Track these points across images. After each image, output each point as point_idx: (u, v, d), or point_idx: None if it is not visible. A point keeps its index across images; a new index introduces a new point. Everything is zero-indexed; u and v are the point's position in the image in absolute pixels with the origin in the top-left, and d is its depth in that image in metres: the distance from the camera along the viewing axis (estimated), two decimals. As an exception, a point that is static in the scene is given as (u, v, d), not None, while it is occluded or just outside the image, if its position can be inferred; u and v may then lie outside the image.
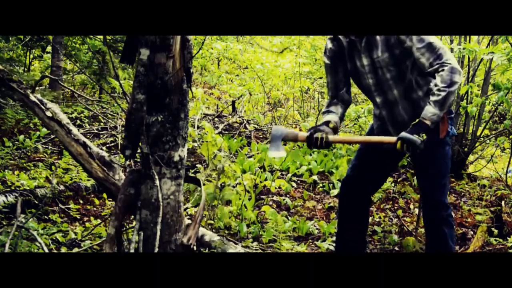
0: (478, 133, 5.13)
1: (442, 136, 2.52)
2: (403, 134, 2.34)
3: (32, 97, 2.59)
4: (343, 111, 2.68)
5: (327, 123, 2.57)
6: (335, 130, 2.56)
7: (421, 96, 2.52)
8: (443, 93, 2.33)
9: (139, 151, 2.24)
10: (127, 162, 2.23)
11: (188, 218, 3.68)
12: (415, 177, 4.60)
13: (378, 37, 2.44)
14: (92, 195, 3.99)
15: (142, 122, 2.17)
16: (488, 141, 5.96)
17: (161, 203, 2.21)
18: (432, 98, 2.36)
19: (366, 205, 2.78)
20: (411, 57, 2.43)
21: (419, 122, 2.37)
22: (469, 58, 4.96)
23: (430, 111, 2.36)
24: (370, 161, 2.67)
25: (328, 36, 2.64)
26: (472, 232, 3.69)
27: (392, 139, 2.39)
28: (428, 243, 2.64)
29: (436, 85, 2.35)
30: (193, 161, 5.06)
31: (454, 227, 2.66)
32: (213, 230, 3.48)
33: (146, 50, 2.16)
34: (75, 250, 2.93)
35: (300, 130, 4.79)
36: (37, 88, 6.60)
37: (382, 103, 2.58)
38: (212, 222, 3.58)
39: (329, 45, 2.62)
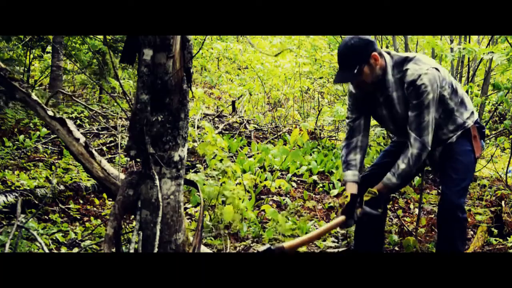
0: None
1: (478, 155, 2.63)
2: (366, 209, 2.54)
3: (34, 96, 2.59)
4: (361, 156, 2.73)
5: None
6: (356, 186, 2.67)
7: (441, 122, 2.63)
8: (406, 168, 2.53)
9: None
10: (130, 162, 2.23)
11: (188, 218, 3.70)
12: (415, 177, 4.60)
13: (395, 95, 2.55)
14: (92, 195, 3.99)
15: (146, 122, 2.17)
16: (488, 141, 5.95)
17: (161, 203, 2.21)
18: (395, 169, 2.54)
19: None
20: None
21: (379, 194, 2.55)
22: (469, 58, 4.97)
23: (391, 180, 2.56)
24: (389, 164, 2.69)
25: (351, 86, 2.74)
26: (472, 232, 3.69)
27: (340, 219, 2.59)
28: (438, 243, 2.65)
29: (404, 158, 2.53)
30: (193, 161, 5.06)
31: (467, 230, 2.68)
32: (213, 230, 3.48)
33: (149, 50, 2.15)
34: (75, 250, 2.93)
35: (301, 130, 4.79)
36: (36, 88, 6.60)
37: (396, 132, 2.75)
38: (211, 222, 3.58)
39: (352, 90, 2.72)
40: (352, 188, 2.62)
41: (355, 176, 2.66)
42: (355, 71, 2.45)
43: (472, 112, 2.70)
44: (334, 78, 2.58)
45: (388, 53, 2.58)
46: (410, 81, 2.46)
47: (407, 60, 2.52)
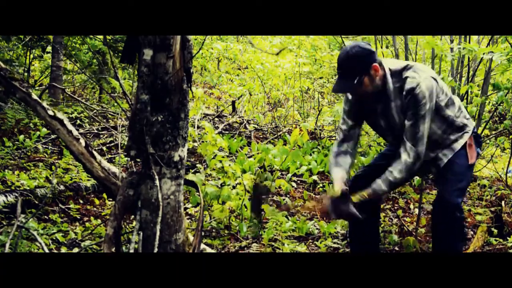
0: (478, 133, 5.13)
1: (472, 162, 2.63)
2: (352, 210, 2.49)
3: (34, 96, 2.59)
4: (351, 161, 2.70)
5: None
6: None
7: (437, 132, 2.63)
8: (398, 177, 2.50)
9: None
10: (130, 163, 2.24)
11: (188, 218, 3.70)
12: (415, 177, 4.60)
13: (393, 104, 2.53)
14: (92, 195, 3.99)
15: (146, 122, 2.17)
16: (488, 141, 5.95)
17: (161, 203, 2.21)
18: (387, 176, 2.51)
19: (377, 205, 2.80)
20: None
21: (367, 199, 2.52)
22: (469, 58, 4.97)
23: (381, 187, 2.52)
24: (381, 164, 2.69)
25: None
26: (472, 232, 3.69)
27: None
28: (436, 244, 2.64)
29: (397, 166, 2.50)
30: (193, 161, 5.06)
31: (465, 230, 2.69)
32: (213, 230, 3.48)
33: (149, 50, 2.15)
34: (75, 250, 2.93)
35: (301, 130, 4.78)
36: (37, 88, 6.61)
37: (392, 141, 2.70)
38: (211, 222, 3.58)
39: (349, 97, 2.70)
40: (341, 185, 2.57)
41: (345, 176, 2.61)
42: (355, 81, 2.42)
43: (469, 119, 2.73)
44: (332, 87, 2.54)
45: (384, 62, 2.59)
46: (409, 89, 2.44)
47: (405, 68, 2.50)
